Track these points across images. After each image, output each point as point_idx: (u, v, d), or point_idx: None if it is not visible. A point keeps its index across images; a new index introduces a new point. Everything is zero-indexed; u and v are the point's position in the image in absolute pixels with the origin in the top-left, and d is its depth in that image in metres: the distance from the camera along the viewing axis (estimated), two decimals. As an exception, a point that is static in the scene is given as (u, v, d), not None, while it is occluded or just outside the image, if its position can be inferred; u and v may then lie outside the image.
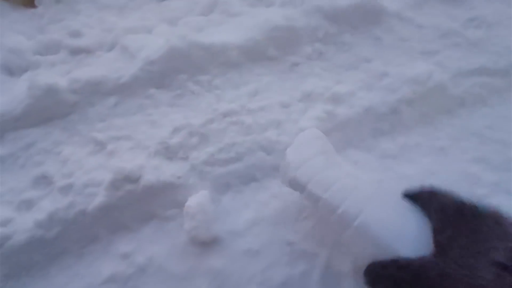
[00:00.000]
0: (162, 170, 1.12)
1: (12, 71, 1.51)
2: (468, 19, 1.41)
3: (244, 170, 1.16)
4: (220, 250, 1.04)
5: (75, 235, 1.08)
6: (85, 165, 1.17)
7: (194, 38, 1.32)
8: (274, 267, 1.00)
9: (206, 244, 1.04)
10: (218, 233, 1.05)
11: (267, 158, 1.17)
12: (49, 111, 1.27)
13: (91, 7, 1.99)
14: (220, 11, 1.57)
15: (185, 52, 1.30)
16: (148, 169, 1.11)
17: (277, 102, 1.24)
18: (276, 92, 1.28)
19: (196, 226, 1.00)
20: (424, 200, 0.73)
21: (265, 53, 1.35)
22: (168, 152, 1.16)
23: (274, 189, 1.14)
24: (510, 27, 1.42)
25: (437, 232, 0.62)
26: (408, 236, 0.69)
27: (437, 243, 0.61)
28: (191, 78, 1.32)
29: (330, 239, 1.02)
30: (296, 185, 0.91)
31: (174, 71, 1.32)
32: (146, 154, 1.15)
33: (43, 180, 1.14)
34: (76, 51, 1.50)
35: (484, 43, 1.35)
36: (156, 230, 1.10)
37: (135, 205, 1.10)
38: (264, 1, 1.58)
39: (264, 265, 1.00)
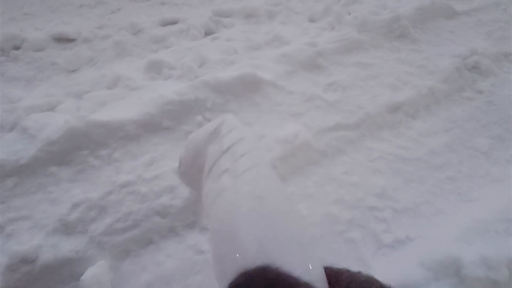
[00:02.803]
0: (60, 247, 1.21)
1: None
2: (327, 84, 1.77)
3: (141, 235, 1.30)
4: (117, 317, 1.14)
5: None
6: (-18, 251, 1.21)
7: (93, 117, 1.46)
8: (166, 323, 1.13)
9: (103, 313, 1.14)
10: (116, 300, 1.17)
11: (163, 221, 1.32)
12: None
13: (-2, 80, 2.04)
14: (123, 85, 1.75)
15: (84, 131, 1.44)
16: (46, 248, 1.19)
17: (171, 169, 1.42)
18: (171, 159, 1.46)
19: (91, 298, 1.10)
20: None
21: (161, 125, 1.55)
22: (67, 228, 1.25)
23: (170, 249, 1.30)
24: (361, 87, 1.81)
25: None
26: None
27: None
28: (91, 153, 1.45)
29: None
30: None
31: (75, 149, 1.44)
32: (44, 233, 1.23)
33: None
34: (-24, 133, 1.54)
35: (339, 104, 1.70)
36: (56, 305, 1.17)
37: (34, 284, 1.17)
38: (163, 75, 1.79)
39: (157, 323, 1.13)
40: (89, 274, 1.13)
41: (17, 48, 2.26)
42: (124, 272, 1.23)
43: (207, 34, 2.31)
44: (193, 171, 0.87)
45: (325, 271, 0.58)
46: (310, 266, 0.55)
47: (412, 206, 1.42)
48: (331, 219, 1.37)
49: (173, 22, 2.44)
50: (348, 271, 0.58)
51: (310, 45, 1.91)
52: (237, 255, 0.54)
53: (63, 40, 2.31)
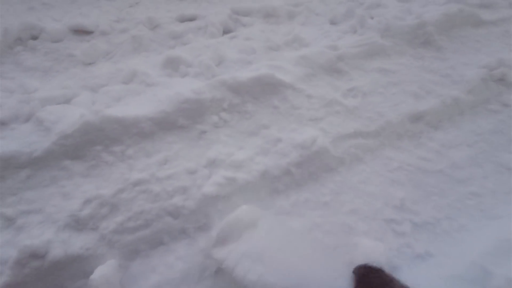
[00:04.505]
0: (70, 243, 1.19)
1: None
2: (347, 89, 1.72)
3: (152, 235, 1.27)
4: (125, 318, 1.12)
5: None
6: (-8, 243, 1.20)
7: (108, 113, 1.44)
8: (175, 328, 1.10)
9: (111, 313, 1.11)
10: (124, 301, 1.14)
11: (174, 222, 1.29)
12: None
13: (15, 69, 2.04)
14: (139, 81, 1.72)
15: (99, 126, 1.42)
16: (56, 243, 1.17)
17: (184, 169, 1.39)
18: (185, 159, 1.43)
19: (99, 298, 1.08)
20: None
21: (176, 123, 1.52)
22: (78, 224, 1.23)
23: (180, 251, 1.26)
24: (382, 94, 1.76)
25: None
26: None
27: None
28: (105, 149, 1.43)
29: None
30: None
31: (89, 143, 1.42)
32: (55, 227, 1.22)
33: None
34: (-10, 123, 1.53)
35: (359, 110, 1.65)
36: (64, 302, 1.15)
37: (43, 280, 1.15)
38: (179, 72, 1.76)
39: (165, 328, 1.10)
40: (99, 273, 1.11)
41: (35, 38, 2.25)
42: (133, 272, 1.20)
43: (225, 32, 2.27)
44: None
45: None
46: None
47: (432, 221, 1.36)
48: (346, 229, 1.33)
49: (192, 19, 2.41)
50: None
51: (331, 48, 1.86)
52: None
53: (80, 32, 2.30)
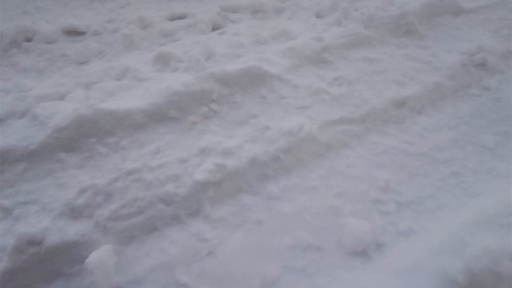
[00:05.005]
0: (66, 230, 1.24)
1: None
2: (333, 78, 1.78)
3: (145, 221, 1.31)
4: (120, 300, 1.16)
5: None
6: (-10, 233, 1.24)
7: (102, 106, 1.49)
8: (168, 307, 1.15)
9: (106, 295, 1.16)
10: (119, 284, 1.18)
11: (167, 209, 1.34)
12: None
13: (10, 71, 2.09)
14: (131, 77, 1.77)
15: (93, 119, 1.47)
16: (53, 231, 1.22)
17: (176, 158, 1.44)
18: (176, 148, 1.48)
19: (94, 281, 1.12)
20: None
21: (167, 115, 1.57)
22: (73, 212, 1.28)
23: (173, 236, 1.31)
24: (366, 82, 1.81)
25: None
26: None
27: None
28: (99, 141, 1.47)
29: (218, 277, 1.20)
30: None
31: (83, 136, 1.47)
32: (51, 216, 1.26)
33: None
34: (-13, 120, 1.58)
35: (345, 98, 1.71)
36: (61, 287, 1.19)
37: (40, 266, 1.19)
38: (170, 67, 1.82)
39: (159, 307, 1.15)
40: (94, 257, 1.15)
41: (29, 40, 2.30)
42: (128, 257, 1.25)
43: (214, 28, 2.33)
44: None
45: None
46: None
47: (416, 200, 1.41)
48: (334, 211, 1.38)
49: (182, 17, 2.47)
50: None
51: (317, 40, 1.92)
52: None
53: (73, 33, 2.36)
